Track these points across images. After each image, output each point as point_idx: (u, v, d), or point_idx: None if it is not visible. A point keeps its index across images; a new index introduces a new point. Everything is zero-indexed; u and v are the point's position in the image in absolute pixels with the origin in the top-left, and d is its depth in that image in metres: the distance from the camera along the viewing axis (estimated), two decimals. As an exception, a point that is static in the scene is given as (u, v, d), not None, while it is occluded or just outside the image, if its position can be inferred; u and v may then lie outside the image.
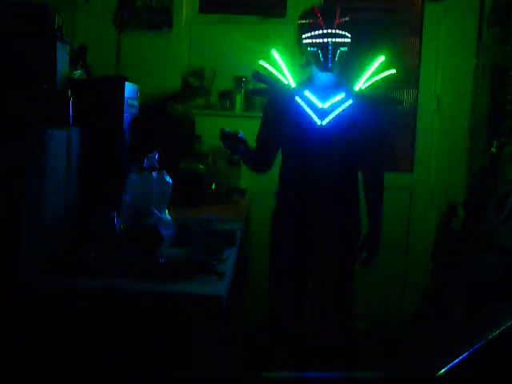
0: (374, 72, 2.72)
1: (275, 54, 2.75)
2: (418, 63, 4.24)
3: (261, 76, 2.76)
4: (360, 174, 2.88)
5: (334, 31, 2.63)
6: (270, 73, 2.74)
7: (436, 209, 4.01)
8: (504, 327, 1.24)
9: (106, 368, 1.84)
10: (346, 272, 2.83)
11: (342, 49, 2.67)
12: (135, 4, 4.04)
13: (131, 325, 1.85)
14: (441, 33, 4.15)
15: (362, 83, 2.73)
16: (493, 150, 3.30)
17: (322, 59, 2.66)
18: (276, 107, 2.82)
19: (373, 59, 2.72)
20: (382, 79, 2.71)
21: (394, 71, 2.70)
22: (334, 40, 2.63)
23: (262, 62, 2.73)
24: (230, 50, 4.03)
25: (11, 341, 1.82)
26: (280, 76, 2.75)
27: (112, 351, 1.84)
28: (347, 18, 2.66)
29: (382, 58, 2.71)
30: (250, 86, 3.98)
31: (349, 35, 2.66)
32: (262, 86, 2.87)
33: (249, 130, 2.86)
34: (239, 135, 2.64)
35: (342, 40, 2.65)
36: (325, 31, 2.63)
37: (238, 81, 4.04)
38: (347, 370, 2.73)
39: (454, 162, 4.08)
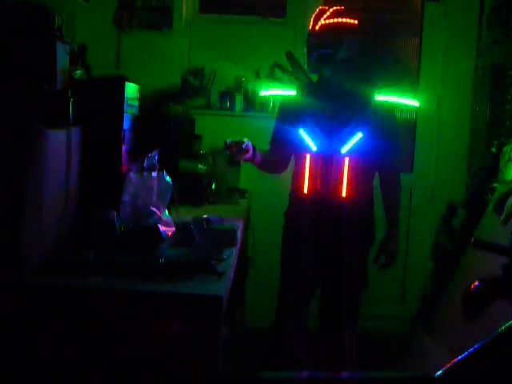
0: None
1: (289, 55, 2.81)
2: (418, 63, 4.24)
3: (294, 57, 2.78)
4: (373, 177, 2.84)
5: (313, 33, 2.67)
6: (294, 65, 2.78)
7: (436, 209, 4.01)
8: (504, 327, 1.23)
9: (105, 367, 1.84)
10: (359, 274, 2.79)
11: (321, 50, 2.65)
12: (135, 4, 4.04)
13: (131, 325, 1.85)
14: (441, 33, 4.15)
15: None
16: (493, 150, 3.29)
17: (306, 60, 2.71)
18: (290, 107, 2.81)
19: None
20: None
21: (417, 103, 2.83)
22: (310, 43, 2.67)
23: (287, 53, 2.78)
24: (229, 50, 4.03)
25: (11, 341, 1.82)
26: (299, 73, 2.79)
27: (112, 351, 1.84)
28: (335, 20, 2.66)
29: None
30: (250, 87, 3.99)
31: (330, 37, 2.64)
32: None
33: (249, 129, 2.87)
34: (244, 145, 2.58)
35: (317, 42, 2.65)
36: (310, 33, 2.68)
37: (238, 81, 4.05)
38: (347, 370, 2.73)
39: (454, 162, 4.08)
